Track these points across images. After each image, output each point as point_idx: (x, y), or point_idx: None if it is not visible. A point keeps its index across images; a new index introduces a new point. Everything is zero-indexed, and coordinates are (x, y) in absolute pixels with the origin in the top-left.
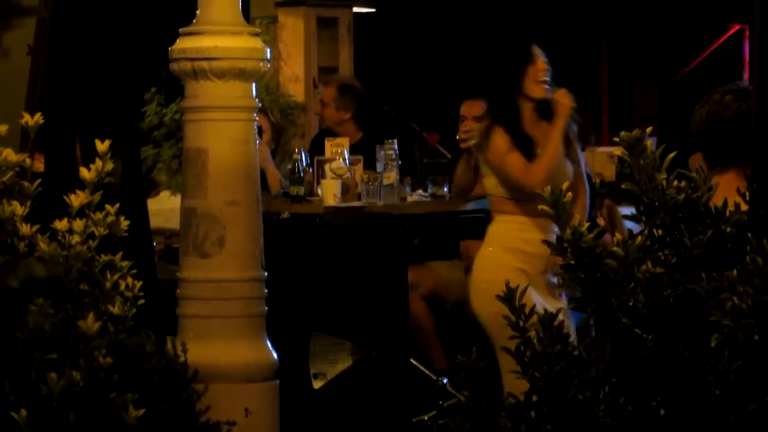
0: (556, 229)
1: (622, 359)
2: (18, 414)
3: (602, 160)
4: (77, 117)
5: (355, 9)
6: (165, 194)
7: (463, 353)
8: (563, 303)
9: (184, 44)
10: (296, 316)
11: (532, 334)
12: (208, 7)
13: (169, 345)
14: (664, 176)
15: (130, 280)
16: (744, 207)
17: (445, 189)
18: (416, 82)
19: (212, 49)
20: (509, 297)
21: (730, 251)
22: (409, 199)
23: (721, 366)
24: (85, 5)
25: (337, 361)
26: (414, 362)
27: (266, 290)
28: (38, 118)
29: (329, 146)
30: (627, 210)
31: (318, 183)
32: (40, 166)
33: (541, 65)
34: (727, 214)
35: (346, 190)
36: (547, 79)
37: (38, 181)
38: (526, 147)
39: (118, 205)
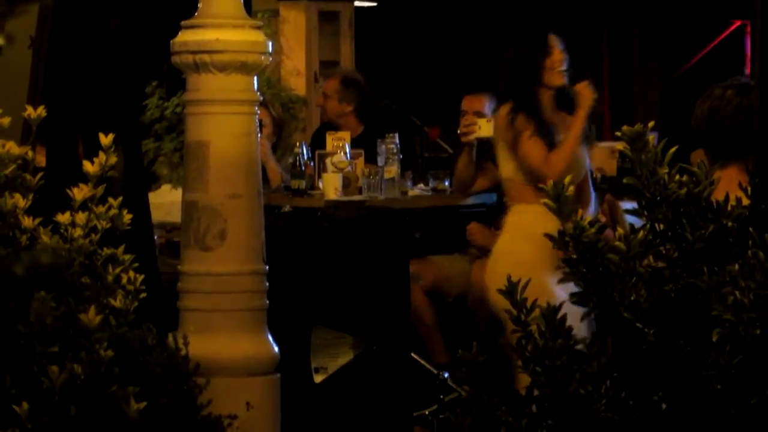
0: None
1: (624, 354)
2: (19, 407)
3: (603, 155)
4: (79, 110)
5: (357, 3)
6: (166, 188)
7: (465, 348)
8: None
9: (185, 37)
10: (297, 309)
11: (534, 328)
12: (210, 1)
13: (171, 338)
14: (666, 171)
15: (131, 273)
16: (745, 202)
17: (446, 183)
18: (417, 76)
19: (214, 42)
20: (511, 291)
21: (732, 246)
22: (410, 193)
23: (722, 360)
24: None
25: (338, 355)
26: (415, 356)
27: (267, 284)
28: (40, 111)
29: (330, 140)
30: (628, 205)
31: (319, 177)
32: (41, 159)
33: (557, 56)
34: (729, 208)
35: (348, 183)
36: (565, 68)
37: (40, 174)
38: (548, 135)
39: (121, 198)
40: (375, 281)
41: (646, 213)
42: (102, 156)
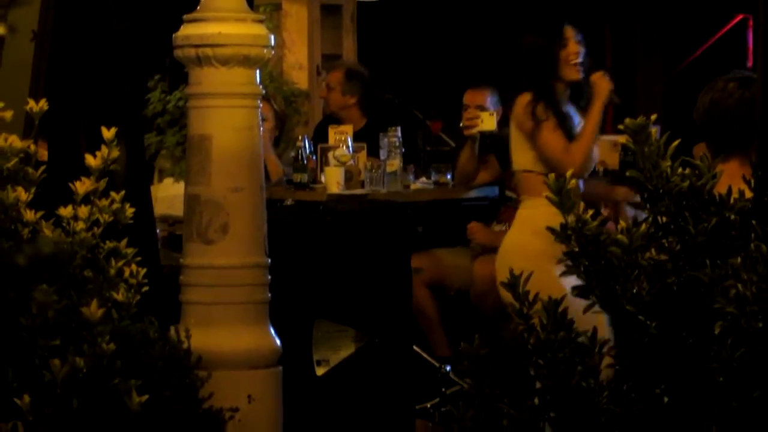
0: None
1: (626, 346)
2: (21, 400)
3: (606, 148)
4: (81, 104)
5: None
6: (168, 181)
7: (466, 341)
8: None
9: (188, 31)
10: (299, 302)
11: (536, 321)
12: None
13: (173, 331)
14: (669, 164)
15: (134, 267)
16: (748, 194)
17: (449, 177)
18: (419, 70)
19: (216, 36)
20: (513, 284)
21: (735, 239)
22: (413, 186)
23: (724, 353)
24: None
25: (340, 348)
26: (417, 350)
27: (269, 277)
28: (42, 104)
29: (333, 134)
30: None
31: (321, 170)
32: (44, 152)
33: (573, 47)
34: (732, 201)
35: (350, 177)
36: (581, 60)
37: (42, 167)
38: (567, 126)
39: (123, 192)
40: (377, 274)
41: (648, 206)
42: (104, 149)
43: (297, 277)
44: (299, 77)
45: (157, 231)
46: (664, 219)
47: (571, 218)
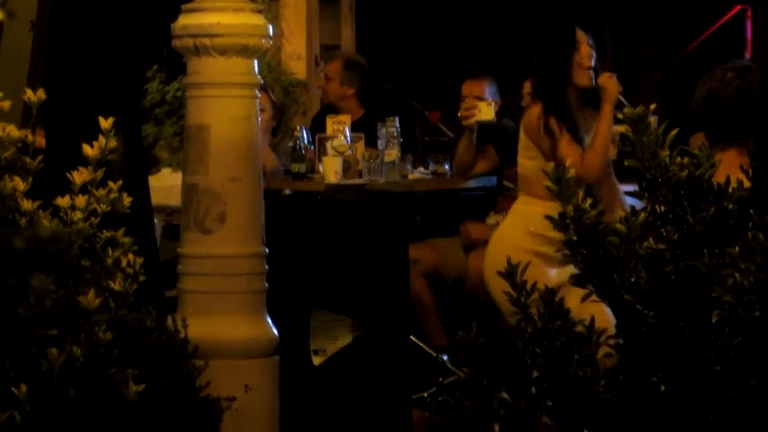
0: None
1: (623, 335)
2: (18, 389)
3: None
4: (79, 94)
5: None
6: (166, 171)
7: (464, 330)
8: None
9: (186, 21)
10: (297, 292)
11: (533, 310)
12: None
13: (170, 321)
14: (667, 153)
15: (131, 256)
16: (746, 184)
17: (447, 167)
18: (418, 60)
19: (215, 26)
20: (510, 273)
21: (732, 228)
22: (411, 176)
23: (721, 342)
24: None
25: (337, 337)
26: (414, 339)
27: (267, 266)
28: (40, 94)
29: (331, 123)
30: (629, 187)
31: (319, 160)
32: (41, 142)
33: (585, 50)
34: (730, 190)
35: (348, 167)
36: (593, 64)
37: (40, 157)
38: (576, 135)
39: (121, 181)
40: (374, 264)
41: (647, 195)
42: (102, 139)
43: (294, 266)
44: (297, 67)
45: (155, 221)
46: (663, 208)
47: (569, 207)
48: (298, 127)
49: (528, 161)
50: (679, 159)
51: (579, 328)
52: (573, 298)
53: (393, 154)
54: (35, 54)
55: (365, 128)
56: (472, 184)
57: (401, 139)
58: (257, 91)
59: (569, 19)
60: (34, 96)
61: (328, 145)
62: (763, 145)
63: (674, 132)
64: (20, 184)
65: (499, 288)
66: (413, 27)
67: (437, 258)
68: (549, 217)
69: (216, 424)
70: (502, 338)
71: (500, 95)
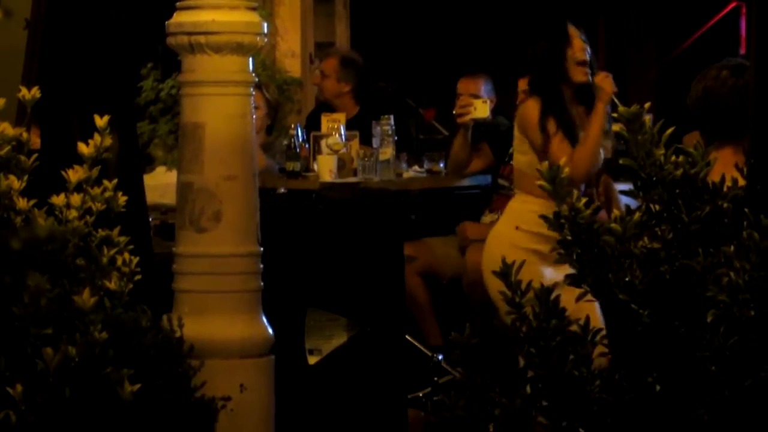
0: None
1: (618, 335)
2: (13, 389)
3: None
4: (74, 92)
5: None
6: (161, 170)
7: (459, 330)
8: None
9: (181, 18)
10: (292, 291)
11: (528, 310)
12: None
13: (165, 320)
14: (662, 152)
15: (126, 255)
16: (741, 182)
17: (441, 165)
18: (413, 57)
19: (209, 23)
20: (505, 273)
21: (727, 227)
22: (405, 174)
23: (717, 342)
24: None
25: (332, 336)
26: (409, 339)
27: (262, 265)
28: (35, 92)
29: (325, 121)
30: (624, 186)
31: (314, 158)
32: (36, 140)
33: (578, 44)
34: (725, 189)
35: (342, 165)
36: (587, 59)
37: (35, 155)
38: (571, 132)
39: (116, 180)
40: (369, 263)
41: (641, 194)
42: (97, 138)
43: (289, 265)
44: (292, 65)
45: (150, 219)
46: (657, 207)
47: (564, 207)
48: (292, 126)
49: (521, 156)
50: (673, 158)
51: (574, 328)
52: (567, 297)
53: (388, 152)
54: (30, 52)
55: (360, 126)
56: (467, 182)
57: (396, 138)
58: (252, 89)
59: (561, 15)
60: (29, 94)
61: (323, 143)
62: (758, 143)
63: (669, 131)
64: (15, 183)
65: (496, 287)
66: (408, 24)
67: (432, 257)
68: (544, 217)
69: (211, 424)
70: (498, 337)
71: (495, 93)
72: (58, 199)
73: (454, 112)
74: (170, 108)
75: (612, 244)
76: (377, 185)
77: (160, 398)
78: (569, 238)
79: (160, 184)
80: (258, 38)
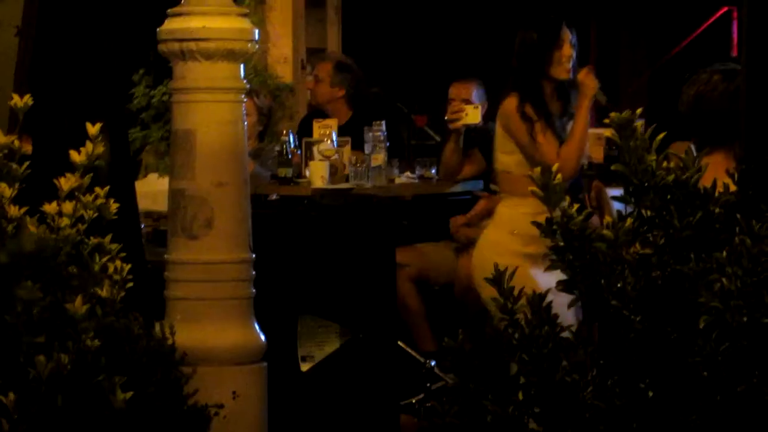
0: None
1: (611, 341)
2: (6, 397)
3: (590, 141)
4: (65, 99)
5: None
6: (152, 176)
7: (451, 336)
8: None
9: (172, 25)
10: (284, 298)
11: (520, 316)
12: None
13: (157, 327)
14: (654, 157)
15: (118, 262)
16: (733, 188)
17: (433, 171)
18: (404, 63)
19: (200, 30)
20: (498, 279)
21: (719, 232)
22: (397, 180)
23: (709, 347)
24: None
25: (324, 343)
26: (402, 345)
27: (254, 272)
28: (27, 99)
29: (317, 128)
30: (615, 192)
31: (306, 165)
32: (28, 148)
33: (567, 50)
34: (716, 195)
35: (334, 171)
36: (571, 64)
37: (27, 163)
38: (555, 127)
39: (107, 187)
40: (362, 269)
41: (633, 200)
42: (89, 145)
43: (282, 272)
44: (284, 71)
45: (142, 226)
46: (649, 213)
47: (556, 213)
48: (284, 132)
49: (505, 156)
50: (665, 163)
51: (566, 335)
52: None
53: (380, 158)
54: (21, 59)
55: (352, 131)
56: (459, 188)
57: (388, 143)
58: (243, 96)
59: (558, 16)
60: (21, 101)
61: (315, 149)
62: (750, 148)
63: (661, 136)
64: (6, 191)
65: (488, 293)
66: (399, 30)
67: (425, 263)
68: (536, 223)
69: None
70: (491, 343)
71: (487, 98)
72: (50, 207)
73: (445, 117)
74: (162, 115)
75: (604, 250)
76: (369, 191)
77: (152, 406)
78: (561, 244)
79: (152, 191)
80: (249, 45)
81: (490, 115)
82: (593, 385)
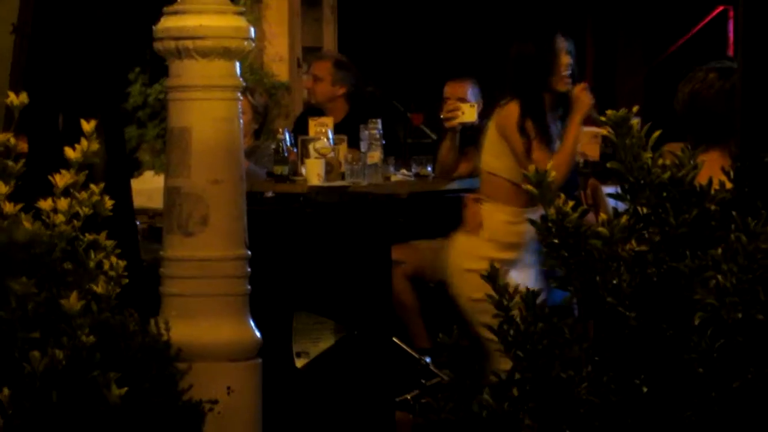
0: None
1: (606, 338)
2: (0, 393)
3: (586, 139)
4: (61, 97)
5: None
6: (148, 174)
7: (446, 332)
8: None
9: (168, 23)
10: (279, 295)
11: (515, 312)
12: None
13: (152, 324)
14: (650, 155)
15: (114, 259)
16: (728, 185)
17: (429, 169)
18: (400, 62)
19: (197, 28)
20: (492, 277)
21: (715, 229)
22: (393, 178)
23: (704, 344)
24: None
25: (319, 339)
26: (397, 341)
27: (249, 269)
28: (23, 97)
29: (313, 125)
30: (611, 189)
31: (302, 162)
32: (24, 145)
33: (564, 59)
34: (712, 192)
35: (330, 169)
36: (569, 72)
37: (23, 160)
38: (550, 140)
39: (103, 184)
40: (357, 266)
41: (629, 197)
42: (84, 142)
43: (277, 269)
44: (280, 69)
45: (137, 223)
46: (645, 210)
47: (551, 210)
48: (280, 130)
49: (493, 159)
50: (661, 161)
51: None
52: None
53: (376, 156)
54: (17, 57)
55: (349, 129)
56: (454, 186)
57: (384, 141)
58: (239, 94)
59: (552, 26)
60: (17, 99)
61: (311, 147)
62: (745, 146)
63: (656, 134)
64: (2, 188)
65: (465, 300)
66: (395, 29)
67: (420, 260)
68: (532, 221)
69: (199, 427)
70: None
71: (482, 97)
72: (46, 204)
73: (441, 116)
74: (158, 113)
75: (599, 248)
76: (365, 189)
77: (147, 401)
78: (556, 241)
79: (148, 188)
80: (245, 43)
81: (485, 114)
82: (588, 381)
